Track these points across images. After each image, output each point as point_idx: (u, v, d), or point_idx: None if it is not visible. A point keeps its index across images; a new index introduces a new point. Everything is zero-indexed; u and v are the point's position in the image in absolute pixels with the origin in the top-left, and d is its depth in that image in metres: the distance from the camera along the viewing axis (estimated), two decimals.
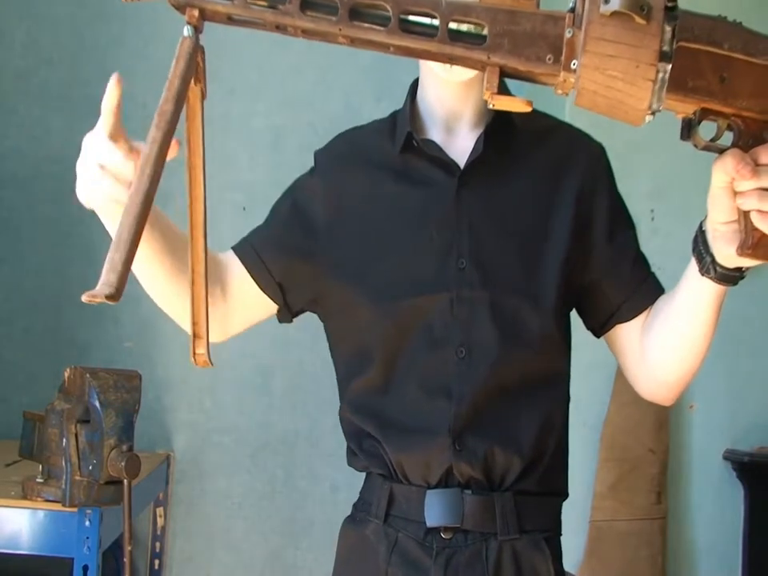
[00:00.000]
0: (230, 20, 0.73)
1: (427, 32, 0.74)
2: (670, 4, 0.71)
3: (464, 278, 1.08)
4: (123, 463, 1.38)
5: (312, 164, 1.20)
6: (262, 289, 1.15)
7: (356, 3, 0.72)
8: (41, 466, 1.69)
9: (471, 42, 0.74)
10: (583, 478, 2.40)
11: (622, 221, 1.15)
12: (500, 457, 1.07)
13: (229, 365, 2.53)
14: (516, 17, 0.74)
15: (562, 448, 1.14)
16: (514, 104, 0.88)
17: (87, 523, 1.62)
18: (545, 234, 1.10)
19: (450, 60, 0.76)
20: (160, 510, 2.46)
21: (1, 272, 2.53)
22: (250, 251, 1.15)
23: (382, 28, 0.73)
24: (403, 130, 1.14)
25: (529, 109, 0.78)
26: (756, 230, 0.80)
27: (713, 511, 2.55)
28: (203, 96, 0.77)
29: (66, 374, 1.56)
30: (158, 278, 1.06)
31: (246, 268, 1.14)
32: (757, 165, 0.79)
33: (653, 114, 0.75)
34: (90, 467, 1.47)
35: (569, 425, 1.17)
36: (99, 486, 1.48)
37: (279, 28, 0.72)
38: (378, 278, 1.11)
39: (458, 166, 1.11)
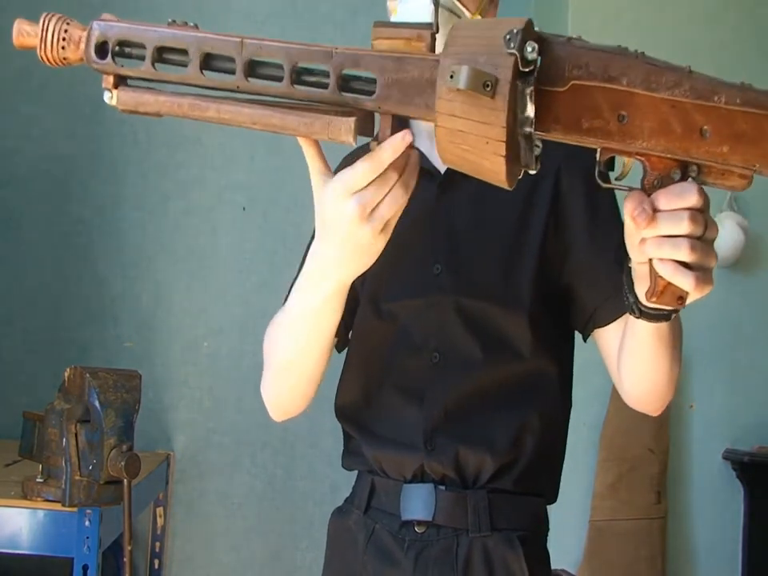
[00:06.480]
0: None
1: (322, 83, 0.73)
2: (525, 69, 0.67)
3: (439, 283, 1.09)
4: (123, 463, 1.38)
5: None
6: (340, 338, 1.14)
7: (251, 59, 0.73)
8: (41, 466, 1.69)
9: (361, 92, 0.73)
10: (583, 478, 2.41)
11: (603, 221, 1.10)
12: (471, 456, 1.07)
13: (229, 365, 2.53)
14: (404, 64, 0.71)
15: (547, 450, 1.11)
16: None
17: (87, 523, 1.62)
18: (522, 238, 1.09)
19: (344, 108, 0.73)
20: (160, 510, 2.46)
21: (1, 272, 2.53)
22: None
23: (277, 83, 0.73)
24: None
25: None
26: (660, 277, 0.74)
27: (713, 511, 2.55)
28: None
29: (66, 374, 1.56)
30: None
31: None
32: (657, 210, 0.72)
33: (535, 169, 0.72)
34: (90, 467, 1.46)
35: (566, 425, 1.15)
36: (99, 486, 1.48)
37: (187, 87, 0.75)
38: (365, 285, 1.13)
39: (440, 173, 1.11)
